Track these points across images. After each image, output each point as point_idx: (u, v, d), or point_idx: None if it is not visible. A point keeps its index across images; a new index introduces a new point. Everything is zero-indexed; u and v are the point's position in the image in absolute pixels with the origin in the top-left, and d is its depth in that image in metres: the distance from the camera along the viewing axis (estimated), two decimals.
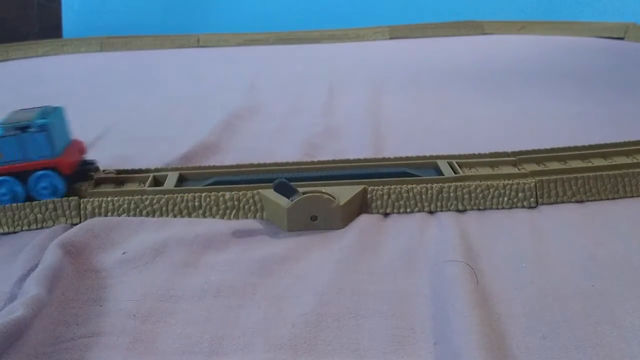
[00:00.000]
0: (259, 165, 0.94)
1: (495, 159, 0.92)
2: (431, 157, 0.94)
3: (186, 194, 0.83)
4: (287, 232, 0.78)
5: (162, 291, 0.66)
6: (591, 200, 0.85)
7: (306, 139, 1.14)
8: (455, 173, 0.87)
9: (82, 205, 0.83)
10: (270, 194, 0.81)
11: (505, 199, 0.84)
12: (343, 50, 2.33)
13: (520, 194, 0.84)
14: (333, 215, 0.79)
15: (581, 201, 0.85)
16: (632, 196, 0.85)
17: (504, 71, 1.75)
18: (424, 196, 0.83)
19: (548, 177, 0.85)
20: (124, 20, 2.76)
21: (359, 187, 0.83)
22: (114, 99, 1.57)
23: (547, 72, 1.73)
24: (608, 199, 0.85)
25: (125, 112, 1.40)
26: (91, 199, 0.83)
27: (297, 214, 0.78)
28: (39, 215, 0.82)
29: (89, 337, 0.58)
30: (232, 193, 0.83)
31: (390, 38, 2.57)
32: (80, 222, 0.81)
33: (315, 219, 0.78)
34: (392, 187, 0.84)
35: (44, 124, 0.80)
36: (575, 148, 0.94)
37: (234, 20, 2.81)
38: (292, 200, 0.79)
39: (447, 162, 0.91)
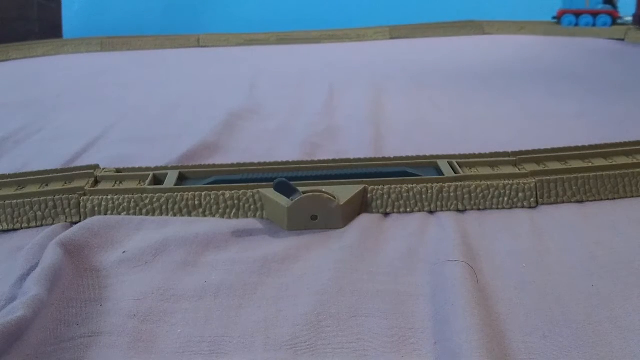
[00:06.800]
0: (259, 164, 0.93)
1: (495, 159, 0.92)
2: (431, 156, 0.94)
3: (186, 193, 0.83)
4: (287, 231, 0.78)
5: (162, 291, 0.66)
6: (591, 200, 0.85)
7: (306, 139, 1.14)
8: (455, 173, 0.87)
9: (82, 204, 0.83)
10: (270, 193, 0.81)
11: (505, 199, 0.84)
12: (343, 50, 2.33)
13: (520, 194, 0.84)
14: (333, 214, 0.79)
15: (581, 201, 0.85)
16: (632, 196, 0.85)
17: (504, 71, 1.75)
18: (424, 196, 0.83)
19: (548, 177, 0.85)
20: (124, 20, 2.76)
21: (359, 187, 0.83)
22: (114, 98, 1.57)
23: (547, 72, 1.73)
24: (608, 199, 0.85)
25: (125, 112, 1.40)
26: (91, 197, 0.83)
27: (298, 213, 0.78)
28: (39, 213, 0.82)
29: (89, 337, 0.58)
30: (232, 192, 0.83)
31: (391, 38, 2.57)
32: (80, 221, 0.81)
33: (315, 219, 0.78)
34: (392, 186, 0.84)
35: None
36: (575, 148, 0.94)
37: (234, 20, 2.81)
38: (292, 200, 0.79)
39: (447, 162, 0.91)
